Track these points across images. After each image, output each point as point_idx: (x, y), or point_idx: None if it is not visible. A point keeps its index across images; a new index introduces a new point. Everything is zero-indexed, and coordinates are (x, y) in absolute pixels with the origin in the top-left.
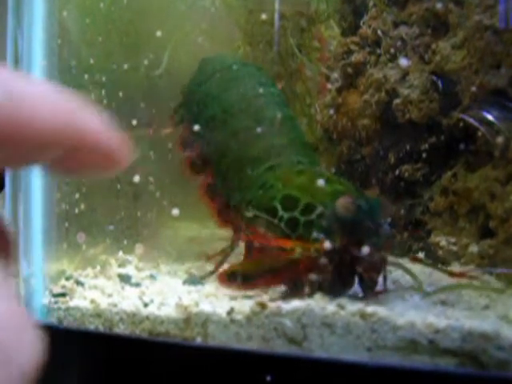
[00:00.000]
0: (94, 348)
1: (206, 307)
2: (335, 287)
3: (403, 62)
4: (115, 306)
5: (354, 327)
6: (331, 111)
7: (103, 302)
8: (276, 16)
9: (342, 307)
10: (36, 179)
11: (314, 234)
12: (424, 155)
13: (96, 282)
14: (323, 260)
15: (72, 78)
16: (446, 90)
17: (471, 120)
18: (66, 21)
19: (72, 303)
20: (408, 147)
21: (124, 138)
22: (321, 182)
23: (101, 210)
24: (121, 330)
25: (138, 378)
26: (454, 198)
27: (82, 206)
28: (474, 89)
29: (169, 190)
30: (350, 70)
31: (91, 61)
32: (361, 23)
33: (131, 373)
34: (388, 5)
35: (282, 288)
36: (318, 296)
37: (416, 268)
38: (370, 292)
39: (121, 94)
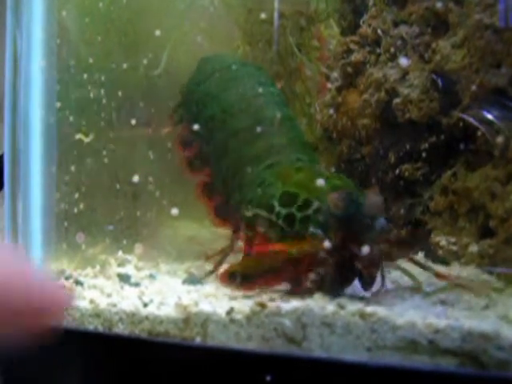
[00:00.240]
0: (93, 348)
1: (205, 307)
2: (335, 283)
3: (403, 61)
4: (114, 305)
5: (353, 327)
6: (331, 111)
7: (102, 302)
8: (275, 15)
9: (341, 307)
10: (35, 178)
11: (311, 229)
12: (424, 154)
13: (95, 281)
14: (322, 255)
15: (71, 78)
16: (446, 90)
17: (471, 119)
18: (65, 20)
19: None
20: (408, 146)
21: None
22: (319, 179)
23: (100, 209)
24: (120, 329)
25: (137, 379)
26: (454, 197)
27: (82, 206)
28: (474, 88)
29: (168, 190)
30: (349, 69)
31: (90, 60)
32: (360, 22)
33: (131, 373)
34: (388, 4)
35: (282, 287)
36: (317, 296)
37: (416, 268)
38: (369, 287)
39: (120, 93)
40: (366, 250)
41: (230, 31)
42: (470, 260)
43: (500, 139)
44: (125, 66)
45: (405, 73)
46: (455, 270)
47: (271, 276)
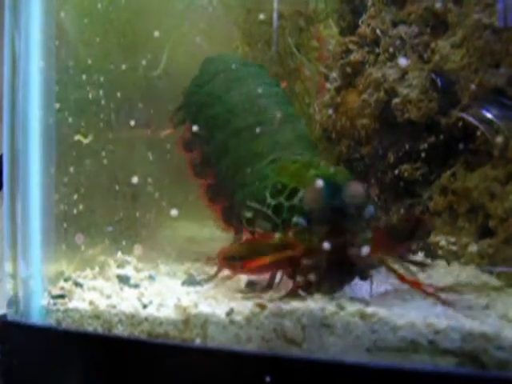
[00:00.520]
0: (92, 349)
1: (205, 308)
2: (328, 274)
3: (402, 61)
4: (114, 307)
5: (353, 328)
6: (330, 111)
7: (102, 304)
8: (274, 15)
9: (341, 307)
10: (34, 180)
11: (294, 219)
12: (423, 155)
13: (95, 283)
14: (311, 246)
15: (70, 79)
16: (445, 90)
17: (471, 118)
18: (63, 21)
19: (71, 305)
20: (407, 147)
21: None
22: (311, 169)
23: (99, 210)
24: (120, 331)
25: (137, 380)
26: (454, 197)
27: (81, 207)
28: (473, 88)
29: (167, 191)
30: (348, 69)
31: (89, 61)
32: (359, 22)
33: (130, 374)
34: (387, 4)
35: (281, 291)
36: (317, 296)
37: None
38: (366, 277)
39: (119, 94)
40: (365, 250)
41: (229, 32)
42: (469, 260)
43: (499, 139)
44: (124, 66)
45: (404, 73)
46: (455, 269)
47: (265, 260)
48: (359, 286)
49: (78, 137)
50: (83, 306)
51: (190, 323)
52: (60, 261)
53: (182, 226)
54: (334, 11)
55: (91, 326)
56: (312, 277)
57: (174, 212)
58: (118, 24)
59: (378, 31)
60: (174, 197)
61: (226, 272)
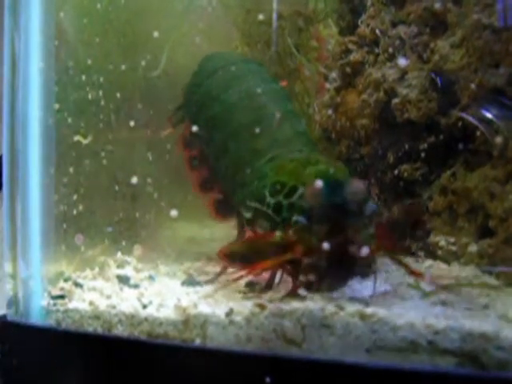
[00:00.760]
0: (92, 350)
1: (204, 308)
2: (329, 273)
3: (402, 61)
4: (114, 307)
5: (353, 328)
6: (330, 111)
7: (102, 304)
8: (274, 16)
9: (341, 308)
10: (34, 180)
11: (294, 218)
12: (423, 155)
13: (94, 283)
14: (312, 244)
15: (69, 79)
16: (445, 90)
17: (470, 118)
18: (63, 22)
19: (71, 305)
20: (407, 147)
21: None
22: (309, 166)
23: (99, 211)
24: (119, 331)
25: (137, 380)
26: (453, 197)
27: (80, 208)
28: (472, 88)
29: (167, 191)
30: (348, 69)
31: (89, 62)
32: (359, 22)
33: (130, 375)
34: (386, 4)
35: (281, 291)
36: (316, 297)
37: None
38: (367, 275)
39: (118, 94)
40: (365, 251)
41: (229, 32)
42: (469, 260)
43: (499, 139)
44: (123, 67)
45: (403, 73)
46: (455, 269)
47: (265, 260)
48: (359, 286)
49: (77, 137)
50: (83, 306)
51: (190, 323)
52: (60, 261)
53: (182, 227)
54: (333, 11)
55: (91, 327)
56: (313, 275)
57: (173, 212)
58: (118, 24)
59: (377, 31)
60: (174, 197)
61: (228, 275)
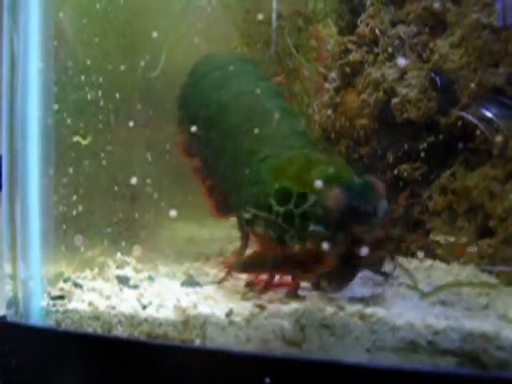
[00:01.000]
0: (92, 350)
1: (204, 309)
2: (341, 277)
3: (401, 61)
4: (113, 308)
5: (353, 328)
6: (329, 111)
7: (101, 305)
8: (273, 15)
9: (340, 308)
10: (33, 181)
11: (311, 228)
12: (422, 154)
13: (94, 284)
14: (327, 252)
15: (69, 79)
16: (444, 89)
17: (470, 117)
18: (62, 22)
19: (70, 306)
20: (406, 146)
21: None
22: (312, 170)
23: (98, 211)
24: (119, 332)
25: (136, 381)
26: (453, 197)
27: (80, 208)
28: (472, 87)
29: (166, 191)
30: (347, 69)
31: (88, 62)
32: (358, 22)
33: (130, 375)
34: (385, 3)
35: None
36: (316, 297)
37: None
38: (379, 272)
39: (118, 95)
40: (364, 251)
41: (228, 32)
42: (468, 260)
43: (499, 138)
44: (123, 67)
45: (403, 72)
46: (454, 269)
47: (277, 271)
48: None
49: (76, 138)
50: (83, 306)
51: (190, 324)
52: (59, 262)
53: (181, 227)
54: (332, 11)
55: (91, 327)
56: (329, 278)
57: (173, 213)
58: (117, 24)
59: (376, 31)
60: (173, 198)
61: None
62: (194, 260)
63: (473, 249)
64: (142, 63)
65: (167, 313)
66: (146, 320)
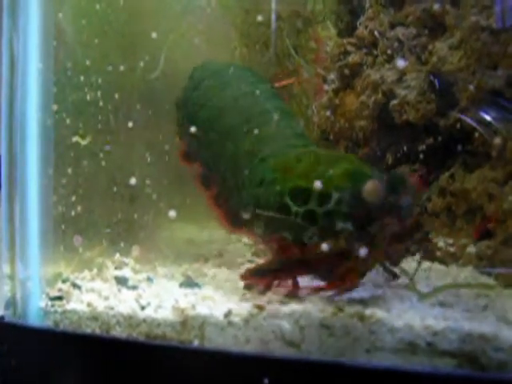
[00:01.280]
0: (90, 351)
1: (202, 310)
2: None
3: (400, 62)
4: (112, 308)
5: (352, 329)
6: (328, 112)
7: (100, 305)
8: (272, 17)
9: (340, 309)
10: (32, 181)
11: (340, 225)
12: (421, 156)
13: (93, 284)
14: (355, 248)
15: (68, 80)
16: (443, 91)
17: (468, 120)
18: (61, 22)
19: (69, 306)
20: (405, 148)
21: None
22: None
23: (97, 212)
24: (118, 332)
25: (135, 381)
26: (452, 198)
27: (79, 209)
28: (471, 89)
29: (165, 192)
30: (346, 71)
31: (87, 62)
32: (357, 24)
33: (128, 376)
34: (384, 6)
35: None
36: (315, 298)
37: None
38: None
39: (117, 95)
40: (363, 251)
41: (227, 33)
42: (467, 261)
43: (497, 140)
44: (122, 68)
45: (402, 74)
46: (453, 271)
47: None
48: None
49: (75, 138)
50: (81, 307)
51: (188, 325)
52: (58, 262)
53: (180, 228)
54: (331, 13)
55: (89, 328)
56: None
57: (172, 213)
58: (117, 25)
59: (375, 33)
60: (172, 198)
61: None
62: (193, 261)
63: (472, 250)
64: (141, 64)
65: (166, 313)
66: (144, 321)
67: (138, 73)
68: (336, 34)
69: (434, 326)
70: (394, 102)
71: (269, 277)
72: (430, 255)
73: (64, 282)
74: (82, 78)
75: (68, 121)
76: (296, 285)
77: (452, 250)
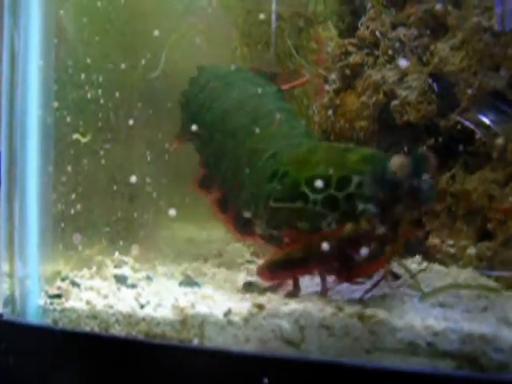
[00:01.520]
0: (89, 350)
1: (202, 309)
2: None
3: (402, 62)
4: (111, 307)
5: (352, 329)
6: (329, 112)
7: (99, 303)
8: (273, 17)
9: (340, 309)
10: (32, 179)
11: (362, 206)
12: None
13: (92, 282)
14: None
15: (69, 78)
16: (444, 92)
17: (467, 123)
18: (62, 20)
19: (68, 304)
20: (406, 149)
21: None
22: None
23: (97, 210)
24: (117, 331)
25: (134, 380)
26: (453, 199)
27: (78, 207)
28: (472, 90)
29: (165, 191)
30: (347, 71)
31: (88, 60)
32: (359, 24)
33: (127, 374)
34: (386, 6)
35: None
36: (315, 298)
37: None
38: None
39: (117, 93)
40: (364, 251)
41: (229, 32)
42: (467, 262)
43: (499, 141)
44: (123, 66)
45: (403, 75)
46: (453, 272)
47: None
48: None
49: (76, 136)
50: (80, 305)
51: (188, 323)
52: (57, 260)
53: (180, 227)
54: (333, 13)
55: (88, 326)
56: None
57: (171, 212)
58: (118, 23)
59: (377, 33)
60: (172, 197)
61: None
62: (192, 260)
63: (472, 251)
64: (143, 62)
65: (165, 312)
66: (143, 319)
67: (138, 71)
68: (337, 34)
69: (435, 327)
70: (395, 102)
71: (288, 271)
72: (429, 256)
73: (63, 280)
74: (82, 75)
75: (68, 118)
76: (297, 285)
77: (452, 250)
